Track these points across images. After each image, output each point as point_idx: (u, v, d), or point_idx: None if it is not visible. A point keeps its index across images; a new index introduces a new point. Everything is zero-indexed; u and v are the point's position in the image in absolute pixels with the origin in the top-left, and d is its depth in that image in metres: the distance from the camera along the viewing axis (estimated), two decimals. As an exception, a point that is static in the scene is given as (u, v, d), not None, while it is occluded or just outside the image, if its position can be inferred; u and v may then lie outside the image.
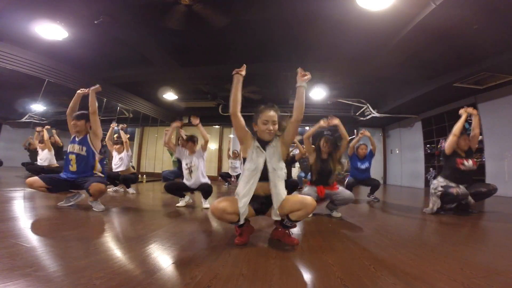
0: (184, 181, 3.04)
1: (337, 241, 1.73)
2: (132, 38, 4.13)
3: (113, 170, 4.17)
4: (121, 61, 5.06)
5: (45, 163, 5.07)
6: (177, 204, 2.96)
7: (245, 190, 1.54)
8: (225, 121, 8.69)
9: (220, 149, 9.49)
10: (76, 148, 2.47)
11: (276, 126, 1.60)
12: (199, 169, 2.99)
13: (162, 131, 9.44)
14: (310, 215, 2.50)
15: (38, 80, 4.88)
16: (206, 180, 3.04)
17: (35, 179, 2.33)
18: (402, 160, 8.07)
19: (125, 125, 4.38)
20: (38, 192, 3.35)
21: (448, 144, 2.84)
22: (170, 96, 6.85)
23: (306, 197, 1.56)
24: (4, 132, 7.80)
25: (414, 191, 6.21)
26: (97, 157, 2.58)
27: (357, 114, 7.59)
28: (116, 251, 1.38)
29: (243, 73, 1.62)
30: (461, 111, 2.86)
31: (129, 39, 4.16)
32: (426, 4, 2.88)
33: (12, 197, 2.88)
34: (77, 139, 2.52)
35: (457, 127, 2.79)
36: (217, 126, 9.57)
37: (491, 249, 1.61)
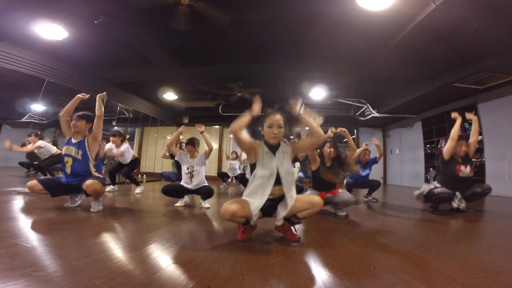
0: (183, 183, 2.97)
1: (337, 241, 1.73)
2: (132, 38, 4.13)
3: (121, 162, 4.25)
4: (121, 61, 5.06)
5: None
6: (176, 204, 2.95)
7: (259, 196, 1.54)
8: (225, 121, 8.69)
9: (220, 149, 9.49)
10: (73, 151, 2.39)
11: (282, 130, 1.57)
12: (200, 174, 2.94)
13: (162, 131, 9.45)
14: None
15: (38, 80, 4.89)
16: (206, 183, 3.01)
17: (34, 183, 2.30)
18: (402, 160, 8.08)
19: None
20: (38, 192, 3.36)
21: (446, 149, 2.81)
22: (170, 96, 6.85)
23: (314, 196, 1.68)
24: (4, 132, 7.80)
25: (414, 191, 6.20)
26: (91, 163, 2.46)
27: (357, 114, 7.59)
28: (116, 251, 1.37)
29: (255, 111, 1.56)
30: (454, 115, 2.81)
31: (129, 39, 4.16)
32: (426, 4, 2.89)
33: (12, 197, 2.88)
34: (73, 140, 2.44)
35: (454, 131, 2.75)
36: (217, 126, 9.58)
37: (491, 249, 1.60)
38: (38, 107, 6.95)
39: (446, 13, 2.92)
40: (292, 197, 1.59)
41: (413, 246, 1.64)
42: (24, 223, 1.81)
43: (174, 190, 2.96)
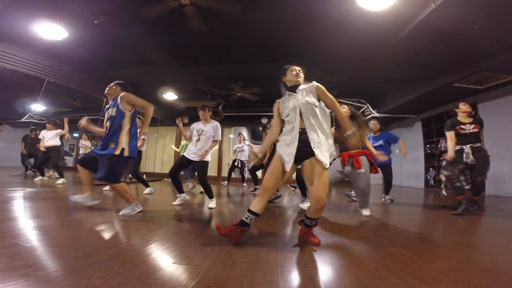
0: (187, 152, 2.99)
1: (337, 241, 1.73)
2: (132, 38, 4.14)
3: None
4: (121, 61, 5.06)
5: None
6: (173, 203, 2.97)
7: (290, 137, 1.61)
8: (225, 121, 8.64)
9: (220, 149, 9.48)
10: (110, 112, 2.42)
11: (302, 74, 1.77)
12: (207, 140, 3.00)
13: (162, 131, 9.45)
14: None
15: (38, 80, 4.89)
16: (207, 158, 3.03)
17: (81, 170, 2.41)
18: (402, 160, 8.07)
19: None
20: (38, 192, 3.37)
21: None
22: (170, 96, 6.85)
23: (322, 195, 1.51)
24: (4, 132, 7.79)
25: (414, 191, 6.21)
26: (125, 122, 2.39)
27: (357, 114, 7.59)
28: (116, 251, 1.37)
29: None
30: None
31: (129, 39, 4.16)
32: (426, 4, 2.89)
33: (12, 197, 2.87)
34: (108, 104, 2.50)
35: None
36: (217, 126, 9.57)
37: (491, 249, 1.61)
38: (38, 107, 6.96)
39: (446, 13, 2.92)
40: (313, 127, 1.58)
41: (413, 246, 1.64)
42: (24, 223, 1.81)
43: (178, 164, 3.00)
